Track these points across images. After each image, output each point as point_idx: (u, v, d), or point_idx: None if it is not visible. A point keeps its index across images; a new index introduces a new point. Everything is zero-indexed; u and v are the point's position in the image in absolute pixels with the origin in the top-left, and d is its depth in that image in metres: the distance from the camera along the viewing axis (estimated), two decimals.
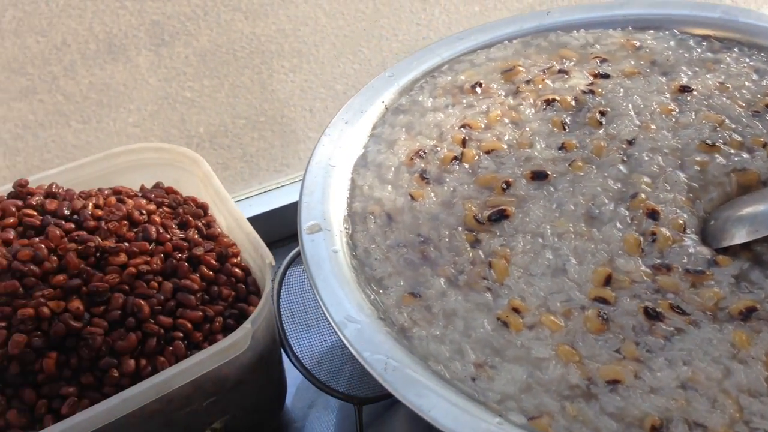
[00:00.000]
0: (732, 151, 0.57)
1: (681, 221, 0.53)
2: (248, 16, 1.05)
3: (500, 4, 1.12)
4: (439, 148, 0.61)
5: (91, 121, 0.93)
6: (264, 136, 0.94)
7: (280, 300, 0.60)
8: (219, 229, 0.60)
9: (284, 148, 0.94)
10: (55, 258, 0.51)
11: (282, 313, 0.61)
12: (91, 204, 0.56)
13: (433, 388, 0.44)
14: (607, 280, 0.50)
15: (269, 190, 0.93)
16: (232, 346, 0.48)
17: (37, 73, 0.93)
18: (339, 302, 0.49)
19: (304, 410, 0.63)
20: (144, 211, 0.56)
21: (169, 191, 0.64)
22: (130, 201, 0.58)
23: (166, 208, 0.59)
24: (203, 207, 0.61)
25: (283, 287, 0.63)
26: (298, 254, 0.65)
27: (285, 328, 0.60)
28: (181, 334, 0.50)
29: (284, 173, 0.97)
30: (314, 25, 1.03)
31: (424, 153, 0.61)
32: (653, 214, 0.53)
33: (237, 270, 0.55)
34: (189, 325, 0.50)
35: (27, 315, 0.47)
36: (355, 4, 1.06)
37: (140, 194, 0.61)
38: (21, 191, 0.58)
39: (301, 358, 0.60)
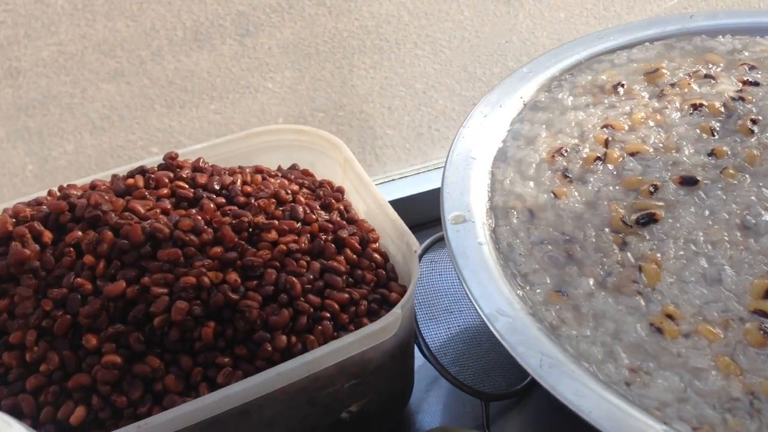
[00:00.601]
0: None
1: None
2: (332, 11, 1.06)
3: (586, 12, 1.10)
4: (581, 148, 0.60)
5: (175, 106, 0.96)
6: (342, 131, 0.95)
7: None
8: (357, 214, 0.60)
9: (361, 144, 0.94)
10: (211, 230, 0.52)
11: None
12: (239, 180, 0.57)
13: (592, 388, 0.44)
14: (767, 293, 0.48)
15: None
16: (382, 330, 0.48)
17: (125, 57, 0.97)
18: (488, 294, 0.49)
19: (427, 401, 0.63)
20: (289, 191, 0.57)
21: (305, 173, 0.64)
22: (272, 180, 0.59)
23: (306, 190, 0.60)
24: (340, 191, 0.62)
25: None
26: (424, 252, 0.66)
27: (417, 319, 0.61)
28: (329, 315, 0.50)
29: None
30: (397, 23, 1.05)
31: (566, 151, 0.60)
32: None
33: (377, 255, 0.56)
34: (336, 307, 0.50)
35: (189, 283, 0.48)
36: (439, 5, 1.08)
37: (280, 174, 0.62)
38: (171, 164, 0.59)
39: (434, 351, 0.60)
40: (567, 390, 0.43)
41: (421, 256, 0.63)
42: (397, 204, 0.63)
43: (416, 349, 0.60)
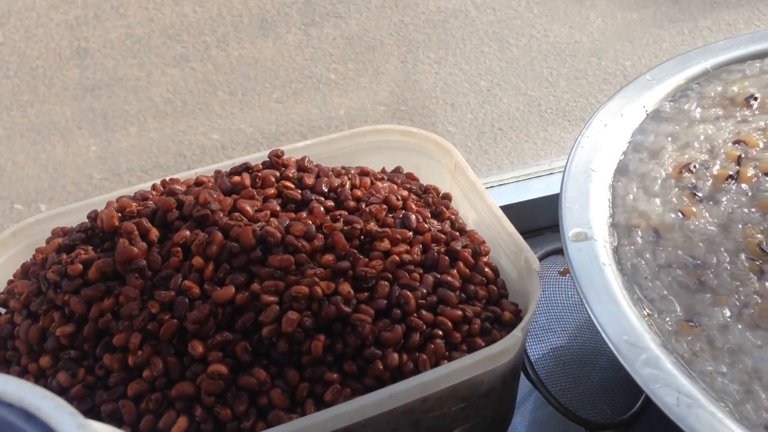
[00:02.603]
0: None
1: None
2: (398, 4, 1.06)
3: (660, 14, 1.06)
4: (710, 164, 0.56)
5: (237, 93, 0.97)
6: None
7: None
8: (466, 224, 0.57)
9: None
10: (322, 236, 0.50)
11: None
12: (348, 183, 0.55)
13: (731, 430, 0.40)
14: None
15: None
16: (500, 354, 0.45)
17: (191, 42, 0.98)
18: (616, 321, 0.46)
19: (526, 425, 0.60)
20: (399, 197, 0.55)
21: (410, 177, 0.62)
22: (380, 184, 0.57)
23: (414, 196, 0.57)
24: (448, 197, 0.59)
25: None
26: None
27: (528, 353, 0.58)
28: (441, 333, 0.48)
29: None
30: (464, 18, 1.03)
31: (695, 167, 0.56)
32: None
33: (488, 270, 0.53)
34: (449, 324, 0.48)
35: (301, 293, 0.46)
36: (508, 1, 1.08)
37: (385, 177, 0.60)
38: (276, 162, 0.57)
39: (539, 373, 0.57)
40: (702, 425, 0.40)
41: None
42: None
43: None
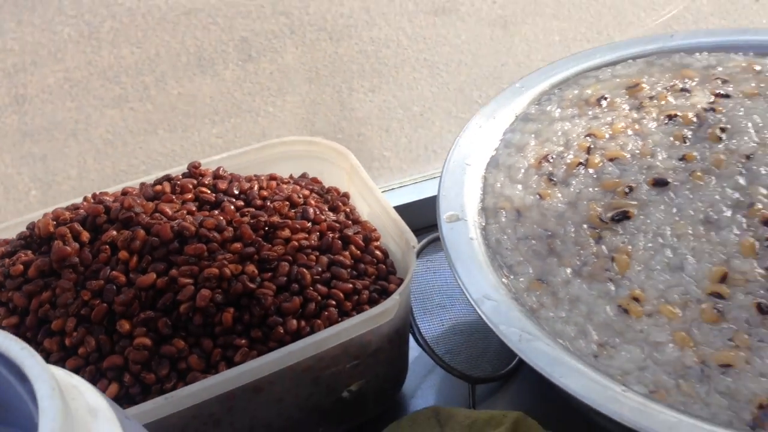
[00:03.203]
0: None
1: None
2: (332, 37, 1.09)
3: (579, 35, 1.15)
4: (565, 154, 0.66)
5: (177, 130, 0.99)
6: None
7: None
8: (360, 216, 0.67)
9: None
10: (231, 229, 0.58)
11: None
12: (256, 185, 0.64)
13: (564, 359, 0.50)
14: (723, 278, 0.54)
15: None
16: (381, 315, 0.54)
17: (130, 83, 0.99)
18: (476, 282, 0.55)
19: (420, 386, 0.69)
20: (300, 195, 0.64)
21: (315, 181, 0.71)
22: (285, 186, 0.66)
23: (315, 195, 0.66)
24: (346, 196, 0.68)
25: None
26: (421, 251, 0.72)
27: (413, 311, 0.67)
28: (334, 303, 0.56)
29: None
30: (396, 47, 1.08)
31: (552, 158, 0.66)
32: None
33: (378, 252, 0.62)
34: (341, 295, 0.57)
35: (212, 274, 0.54)
36: (437, 29, 1.11)
37: (292, 181, 0.69)
38: (194, 172, 0.66)
39: (427, 339, 0.66)
40: (542, 361, 0.49)
41: (417, 254, 0.69)
42: (397, 209, 0.69)
43: (412, 339, 0.66)
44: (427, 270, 0.73)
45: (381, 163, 1.00)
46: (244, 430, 0.55)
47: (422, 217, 0.78)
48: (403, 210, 0.77)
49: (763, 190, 0.59)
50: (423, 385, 0.68)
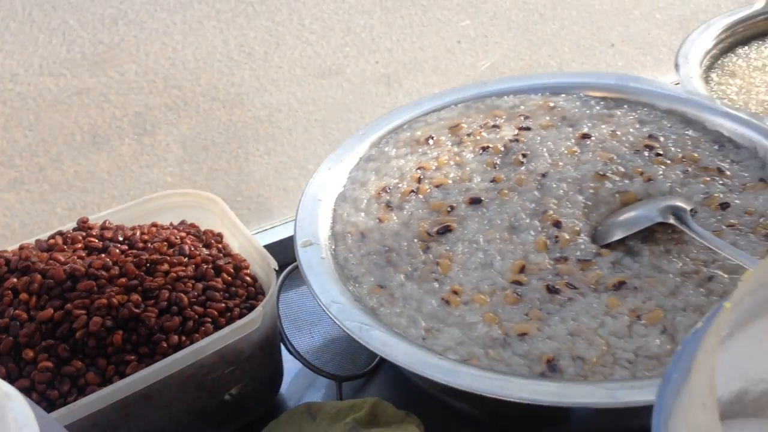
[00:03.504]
0: (617, 179, 0.76)
1: (577, 228, 0.71)
2: (225, 105, 1.11)
3: (452, 85, 1.28)
4: (400, 185, 0.80)
5: (76, 208, 1.00)
6: (241, 215, 1.02)
7: (279, 306, 0.78)
8: (232, 250, 0.78)
9: (260, 224, 1.04)
10: (117, 268, 0.69)
11: (281, 316, 0.78)
12: (138, 232, 0.75)
13: (396, 342, 0.62)
14: (522, 269, 0.68)
15: None
16: (248, 324, 0.65)
17: (24, 165, 1.00)
18: (326, 291, 0.67)
19: (296, 390, 0.79)
20: (178, 237, 0.75)
21: (192, 226, 0.82)
22: (165, 230, 0.77)
23: (192, 236, 0.77)
24: (219, 235, 0.79)
25: (280, 300, 0.80)
26: (288, 275, 0.83)
27: (284, 327, 0.78)
28: (210, 319, 0.67)
29: None
30: (287, 111, 1.13)
31: (389, 189, 0.79)
32: (557, 224, 0.72)
33: (248, 278, 0.73)
34: (215, 313, 0.67)
35: (102, 304, 0.64)
36: (325, 91, 1.19)
37: (171, 227, 0.80)
38: (83, 225, 0.76)
39: (297, 348, 0.77)
40: (377, 342, 0.61)
41: (287, 278, 0.81)
42: (272, 246, 0.81)
43: (286, 352, 0.77)
44: (297, 294, 0.85)
45: (282, 220, 1.05)
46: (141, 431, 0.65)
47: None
48: (277, 245, 0.89)
49: (553, 200, 0.74)
50: (298, 389, 0.79)
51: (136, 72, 1.11)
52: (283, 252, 0.80)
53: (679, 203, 0.71)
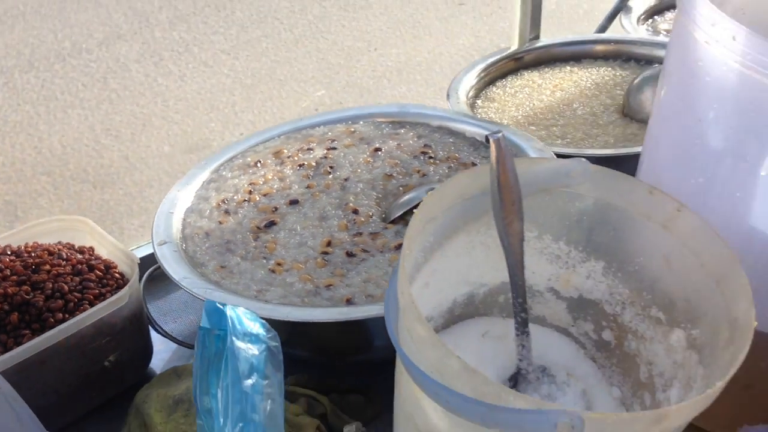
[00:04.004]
0: (401, 177, 1.00)
1: (370, 213, 0.95)
2: (96, 186, 1.26)
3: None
4: (235, 197, 1.01)
5: None
6: None
7: (147, 300, 0.96)
8: (102, 257, 0.97)
9: None
10: (8, 270, 0.86)
11: (150, 308, 0.97)
12: (23, 245, 0.93)
13: (232, 298, 0.83)
14: (329, 244, 0.90)
15: None
16: (115, 301, 0.84)
17: None
18: (179, 272, 0.87)
19: (166, 365, 0.98)
20: (56, 248, 0.93)
21: (69, 244, 1.00)
22: (45, 245, 0.95)
23: (67, 248, 0.96)
24: (92, 247, 0.98)
25: (149, 298, 0.99)
26: (152, 272, 1.02)
27: (152, 314, 0.97)
28: (87, 302, 0.85)
29: None
30: (158, 185, 1.27)
31: (226, 201, 1.01)
32: (355, 211, 0.95)
33: (116, 274, 0.92)
34: (91, 297, 0.86)
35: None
36: (194, 163, 1.26)
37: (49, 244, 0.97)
38: None
39: (162, 326, 0.96)
40: (218, 298, 0.82)
41: (151, 273, 0.99)
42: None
43: (156, 334, 0.96)
44: (163, 291, 1.04)
45: None
46: (40, 392, 0.82)
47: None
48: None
49: (353, 196, 0.98)
50: (167, 364, 0.97)
51: (3, 163, 1.22)
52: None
53: None
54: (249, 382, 0.58)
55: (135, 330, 0.90)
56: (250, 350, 0.59)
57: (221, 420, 0.56)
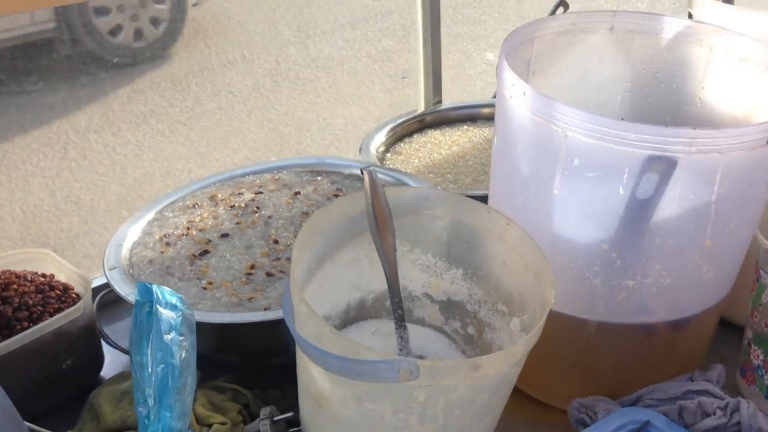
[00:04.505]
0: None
1: (289, 243, 1.15)
2: (57, 249, 1.28)
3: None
4: (176, 232, 1.20)
5: None
6: None
7: (100, 321, 1.14)
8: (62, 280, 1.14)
9: None
10: None
11: (101, 321, 1.14)
12: None
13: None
14: (252, 267, 1.10)
15: None
16: (71, 312, 1.01)
17: None
18: (124, 289, 1.06)
19: (117, 370, 1.15)
20: (21, 274, 1.10)
21: (32, 271, 1.17)
22: (10, 271, 1.12)
23: (31, 273, 1.13)
24: (52, 274, 1.15)
25: (103, 320, 1.16)
26: (105, 293, 1.19)
27: (104, 329, 1.14)
28: (48, 315, 1.03)
29: None
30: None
31: (168, 235, 1.20)
32: (276, 241, 1.15)
33: (74, 294, 1.10)
34: (52, 310, 1.03)
35: None
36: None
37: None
38: None
39: (113, 340, 1.13)
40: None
41: (104, 294, 1.17)
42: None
43: (107, 346, 1.13)
44: (120, 310, 1.21)
45: None
46: (7, 388, 0.97)
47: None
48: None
49: (274, 229, 1.17)
50: (117, 371, 1.14)
51: None
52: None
53: None
54: (169, 336, 0.76)
55: (88, 339, 1.07)
56: (170, 315, 0.78)
57: (150, 369, 0.75)
